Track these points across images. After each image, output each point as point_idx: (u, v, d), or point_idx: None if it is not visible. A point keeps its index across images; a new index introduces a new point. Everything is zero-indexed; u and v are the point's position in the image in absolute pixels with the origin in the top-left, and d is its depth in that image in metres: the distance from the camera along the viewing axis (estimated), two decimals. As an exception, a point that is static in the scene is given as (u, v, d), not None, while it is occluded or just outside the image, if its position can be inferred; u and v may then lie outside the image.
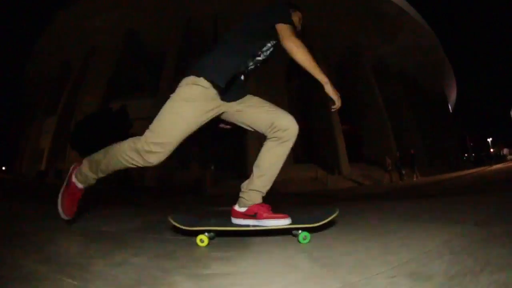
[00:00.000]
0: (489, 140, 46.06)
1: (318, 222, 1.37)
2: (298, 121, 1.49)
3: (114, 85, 20.45)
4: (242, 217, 1.44)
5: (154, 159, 1.37)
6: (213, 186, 13.04)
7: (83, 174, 1.50)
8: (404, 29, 22.73)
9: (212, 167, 15.40)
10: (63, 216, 1.48)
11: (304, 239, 1.31)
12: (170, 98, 1.38)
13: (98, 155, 1.47)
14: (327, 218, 1.40)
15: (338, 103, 1.45)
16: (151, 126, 1.38)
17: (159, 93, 17.01)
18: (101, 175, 1.50)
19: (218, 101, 1.39)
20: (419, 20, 24.17)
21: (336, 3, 19.43)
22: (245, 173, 9.93)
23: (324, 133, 19.55)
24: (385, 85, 23.06)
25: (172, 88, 1.43)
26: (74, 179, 1.52)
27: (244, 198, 1.47)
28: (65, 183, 1.52)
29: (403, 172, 13.46)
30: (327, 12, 19.42)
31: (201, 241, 1.33)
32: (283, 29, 1.39)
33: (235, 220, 1.47)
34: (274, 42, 1.47)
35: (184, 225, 1.38)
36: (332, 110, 1.51)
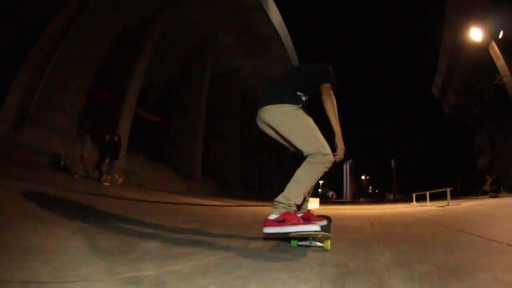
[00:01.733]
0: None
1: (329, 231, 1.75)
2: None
3: None
4: (271, 225, 1.63)
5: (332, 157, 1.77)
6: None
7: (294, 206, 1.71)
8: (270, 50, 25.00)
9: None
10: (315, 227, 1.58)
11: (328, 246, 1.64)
12: (291, 117, 1.79)
13: (296, 189, 1.72)
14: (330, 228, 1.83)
15: (341, 154, 1.88)
16: (312, 141, 1.75)
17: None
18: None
19: None
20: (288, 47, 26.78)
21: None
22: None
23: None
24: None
25: None
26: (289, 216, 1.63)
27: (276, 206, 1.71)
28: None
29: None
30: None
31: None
32: (326, 87, 1.89)
33: (265, 229, 1.65)
34: (316, 91, 1.95)
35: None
36: (335, 157, 1.84)
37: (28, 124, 11.04)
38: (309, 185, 1.76)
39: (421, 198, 11.49)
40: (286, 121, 1.80)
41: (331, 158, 1.74)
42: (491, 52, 12.23)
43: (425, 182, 38.43)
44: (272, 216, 1.66)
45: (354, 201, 33.85)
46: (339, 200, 51.46)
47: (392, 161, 42.51)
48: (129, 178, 12.99)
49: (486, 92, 21.57)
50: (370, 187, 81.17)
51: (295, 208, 1.70)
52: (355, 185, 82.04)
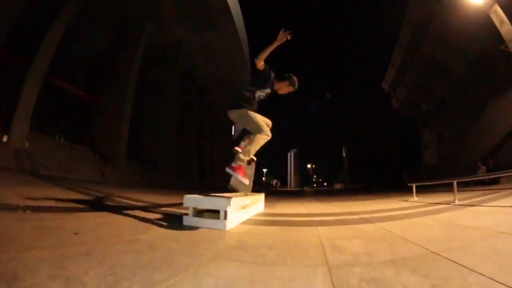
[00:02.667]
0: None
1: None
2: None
3: None
4: (230, 167, 3.07)
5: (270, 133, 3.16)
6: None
7: (240, 159, 3.06)
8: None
9: None
10: (245, 180, 3.10)
11: None
12: (245, 116, 3.14)
13: (249, 151, 3.07)
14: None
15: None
16: (257, 127, 3.10)
17: None
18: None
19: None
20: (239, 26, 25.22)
21: None
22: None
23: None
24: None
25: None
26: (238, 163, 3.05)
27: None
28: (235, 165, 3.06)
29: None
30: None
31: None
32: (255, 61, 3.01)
33: (226, 169, 3.09)
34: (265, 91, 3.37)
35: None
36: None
37: None
38: (256, 149, 3.09)
39: (406, 190, 8.48)
40: (243, 119, 3.17)
41: (268, 133, 3.11)
42: (493, 18, 10.87)
43: (374, 172, 40.94)
44: (233, 163, 3.06)
45: (299, 190, 33.49)
46: (283, 188, 52.91)
47: (343, 149, 42.92)
48: (19, 162, 10.52)
49: (437, 90, 22.07)
50: (315, 176, 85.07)
51: (245, 163, 3.12)
52: (299, 174, 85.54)
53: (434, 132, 24.31)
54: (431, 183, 8.40)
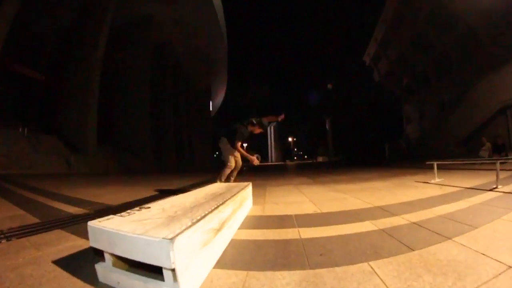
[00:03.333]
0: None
1: None
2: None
3: None
4: None
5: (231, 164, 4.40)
6: None
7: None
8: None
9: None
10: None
11: None
12: (225, 149, 4.37)
13: (222, 175, 4.38)
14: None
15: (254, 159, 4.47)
16: (225, 160, 4.39)
17: None
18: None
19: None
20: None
21: None
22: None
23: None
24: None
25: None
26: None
27: None
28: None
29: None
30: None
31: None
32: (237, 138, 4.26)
33: None
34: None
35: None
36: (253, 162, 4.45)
37: None
38: (225, 174, 4.38)
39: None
40: (223, 149, 4.40)
41: (231, 165, 4.36)
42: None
43: (356, 146, 41.07)
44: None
45: (282, 165, 32.61)
46: (265, 163, 52.62)
47: (327, 121, 41.79)
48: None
49: (419, 64, 21.70)
50: (295, 149, 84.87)
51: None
52: (280, 148, 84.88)
53: (416, 107, 24.19)
54: (453, 162, 6.33)
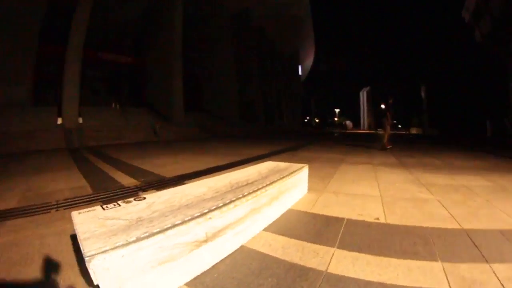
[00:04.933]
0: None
1: None
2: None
3: None
4: None
5: None
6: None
7: None
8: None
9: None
10: None
11: None
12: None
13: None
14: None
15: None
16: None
17: None
18: None
19: None
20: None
21: None
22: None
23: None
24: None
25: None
26: None
27: None
28: None
29: None
30: None
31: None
32: None
33: None
34: None
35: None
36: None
37: None
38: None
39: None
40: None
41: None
42: None
43: (452, 119, 34.29)
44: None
45: (373, 134, 27.16)
46: (355, 131, 48.86)
47: (422, 89, 35.15)
48: (68, 140, 11.03)
49: None
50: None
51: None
52: (372, 115, 76.69)
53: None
54: None
